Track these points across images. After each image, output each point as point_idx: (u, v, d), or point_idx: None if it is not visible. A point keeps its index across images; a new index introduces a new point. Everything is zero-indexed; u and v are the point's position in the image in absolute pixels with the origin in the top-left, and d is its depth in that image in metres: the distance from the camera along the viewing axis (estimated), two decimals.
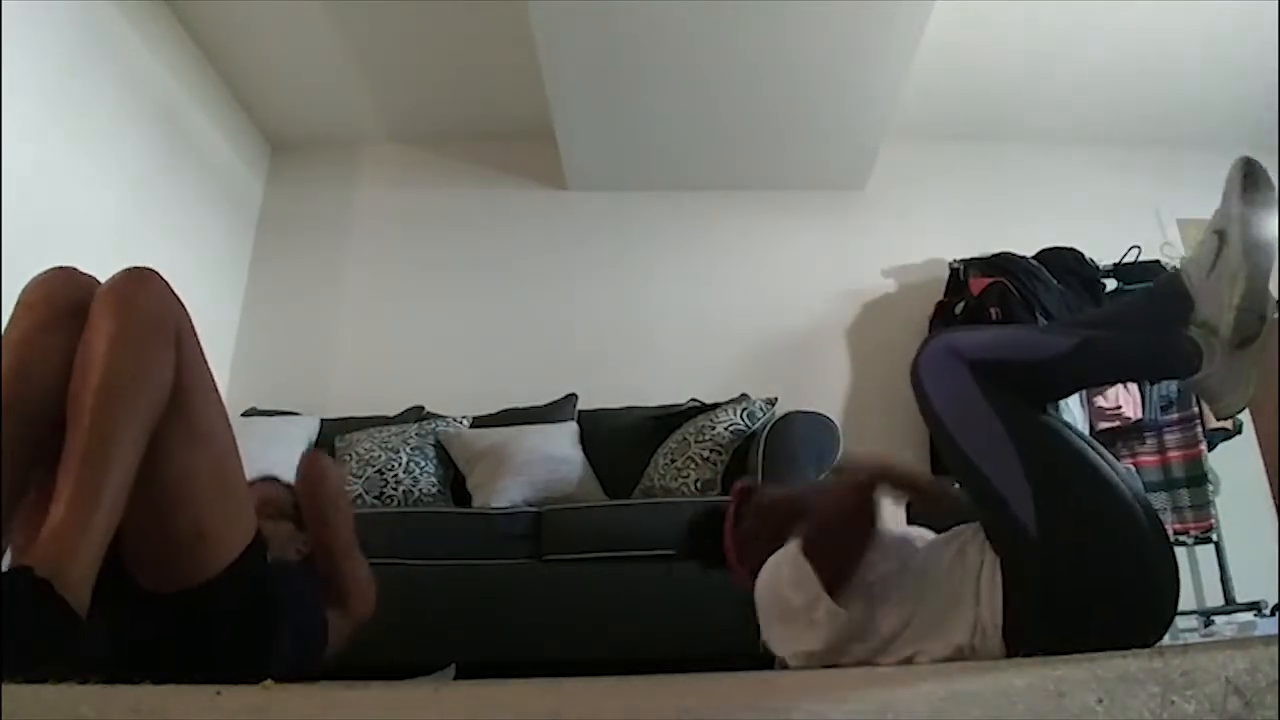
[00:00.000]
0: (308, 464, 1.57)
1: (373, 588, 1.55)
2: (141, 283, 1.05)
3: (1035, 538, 1.09)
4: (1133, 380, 1.18)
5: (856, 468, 1.35)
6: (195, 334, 1.10)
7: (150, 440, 0.99)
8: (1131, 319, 1.26)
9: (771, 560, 1.30)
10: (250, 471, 1.23)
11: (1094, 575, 1.08)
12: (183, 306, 1.08)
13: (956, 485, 1.24)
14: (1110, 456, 1.20)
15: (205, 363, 1.11)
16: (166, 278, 1.08)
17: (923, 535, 1.40)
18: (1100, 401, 3.09)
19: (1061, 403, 2.81)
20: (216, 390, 1.14)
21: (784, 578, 1.23)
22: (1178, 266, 1.18)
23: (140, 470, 0.97)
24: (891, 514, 1.51)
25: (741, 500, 1.51)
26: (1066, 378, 1.25)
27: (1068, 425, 1.25)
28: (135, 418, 0.96)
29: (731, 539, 1.46)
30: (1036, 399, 1.20)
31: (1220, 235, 1.11)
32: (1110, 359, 1.22)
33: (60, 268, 1.11)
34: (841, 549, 1.22)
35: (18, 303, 1.07)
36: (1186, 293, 1.14)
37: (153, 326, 1.03)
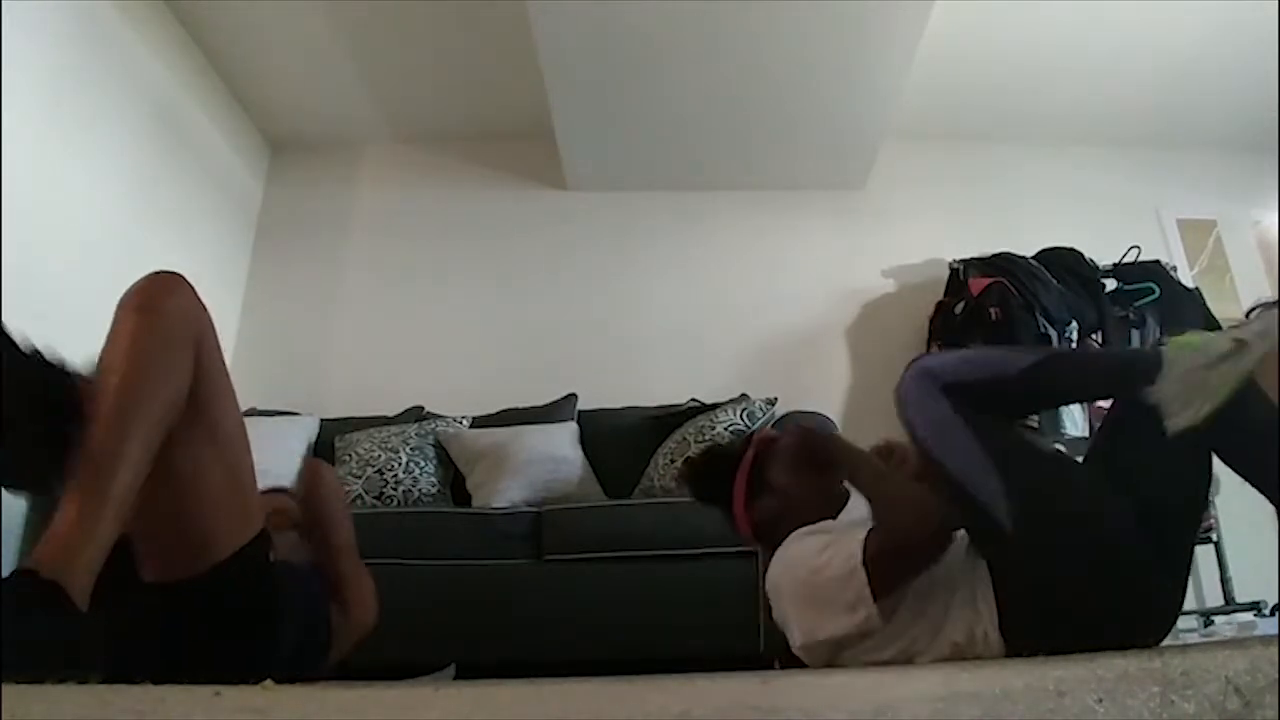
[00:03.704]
0: (306, 469, 1.59)
1: (374, 597, 1.55)
2: (164, 287, 1.06)
3: (1013, 540, 1.14)
4: (1095, 398, 1.24)
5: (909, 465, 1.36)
6: (216, 339, 1.11)
7: (166, 441, 1.00)
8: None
9: (812, 543, 1.27)
10: None
11: (1067, 572, 1.13)
12: (205, 311, 1.10)
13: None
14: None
15: (224, 368, 1.13)
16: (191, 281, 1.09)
17: None
18: (1102, 402, 3.09)
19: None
20: (234, 395, 1.16)
21: (831, 571, 1.20)
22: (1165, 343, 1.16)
23: (154, 469, 0.98)
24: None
25: (763, 451, 1.49)
26: (1030, 392, 1.28)
27: (1039, 434, 1.31)
28: (148, 422, 0.97)
29: (744, 490, 1.45)
30: (1005, 414, 1.26)
31: (1240, 344, 1.07)
32: (1071, 373, 1.29)
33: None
34: (909, 572, 1.21)
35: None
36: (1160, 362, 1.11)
37: (172, 332, 1.04)
